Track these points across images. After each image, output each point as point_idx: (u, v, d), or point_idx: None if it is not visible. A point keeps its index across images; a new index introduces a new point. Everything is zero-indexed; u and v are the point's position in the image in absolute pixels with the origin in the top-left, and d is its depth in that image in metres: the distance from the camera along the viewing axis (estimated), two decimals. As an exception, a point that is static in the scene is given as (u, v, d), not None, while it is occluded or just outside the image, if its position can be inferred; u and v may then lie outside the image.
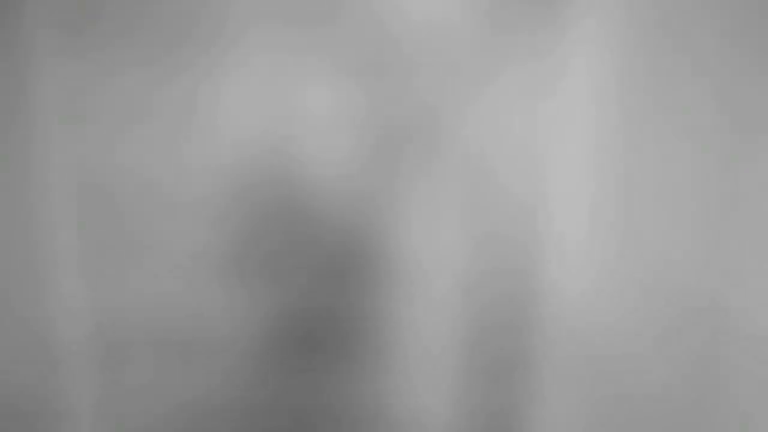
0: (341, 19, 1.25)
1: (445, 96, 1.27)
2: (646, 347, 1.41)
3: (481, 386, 1.41)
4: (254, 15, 1.24)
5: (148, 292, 1.36)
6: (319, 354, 1.42)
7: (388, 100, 1.27)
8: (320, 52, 1.26)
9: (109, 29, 1.23)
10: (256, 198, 1.30)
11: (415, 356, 1.40)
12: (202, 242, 1.33)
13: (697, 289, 1.38)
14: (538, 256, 1.35)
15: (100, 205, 1.31)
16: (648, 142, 1.30)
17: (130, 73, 1.26)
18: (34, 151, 1.29)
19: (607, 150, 1.31)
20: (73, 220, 1.32)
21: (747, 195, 1.34)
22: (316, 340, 1.40)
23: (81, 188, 1.31)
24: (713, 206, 1.35)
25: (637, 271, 1.37)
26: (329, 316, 1.39)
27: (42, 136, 1.29)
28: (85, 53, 1.24)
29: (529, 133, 1.30)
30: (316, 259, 1.34)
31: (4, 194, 1.30)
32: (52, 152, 1.30)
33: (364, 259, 1.35)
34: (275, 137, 1.28)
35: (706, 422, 1.46)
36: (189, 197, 1.32)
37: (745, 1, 1.22)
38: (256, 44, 1.26)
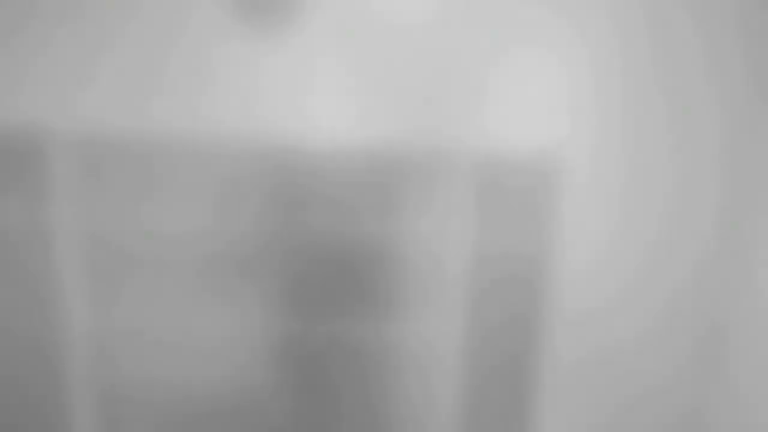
0: (337, 11, 1.25)
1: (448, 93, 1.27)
2: (644, 342, 1.41)
3: (484, 385, 1.40)
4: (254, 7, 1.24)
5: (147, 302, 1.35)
6: (322, 358, 1.41)
7: (393, 94, 1.27)
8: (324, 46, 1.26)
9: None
10: (257, 199, 1.30)
11: (416, 355, 1.40)
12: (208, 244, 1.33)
13: (700, 286, 1.38)
14: (547, 267, 1.35)
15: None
16: (649, 136, 1.31)
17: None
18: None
19: (608, 150, 1.31)
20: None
21: (749, 192, 1.34)
22: (321, 347, 1.40)
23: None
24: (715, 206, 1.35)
25: (638, 270, 1.37)
26: (335, 332, 1.38)
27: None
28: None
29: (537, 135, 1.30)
30: (319, 260, 1.34)
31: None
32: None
33: (370, 263, 1.34)
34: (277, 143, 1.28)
35: (710, 419, 1.46)
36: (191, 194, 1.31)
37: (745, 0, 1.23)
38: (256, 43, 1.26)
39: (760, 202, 1.32)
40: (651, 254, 1.36)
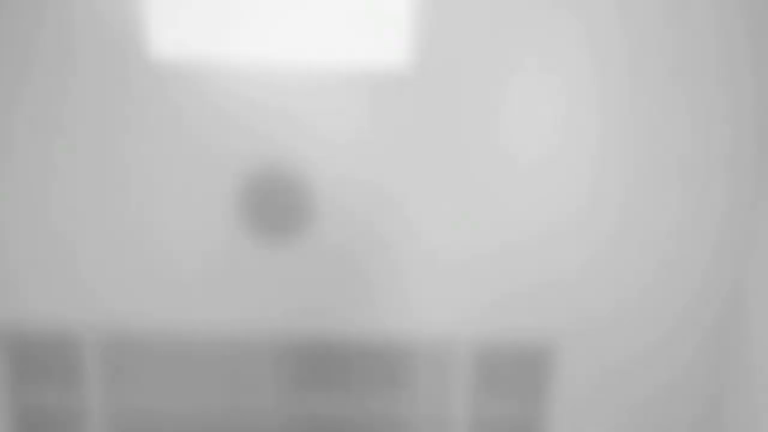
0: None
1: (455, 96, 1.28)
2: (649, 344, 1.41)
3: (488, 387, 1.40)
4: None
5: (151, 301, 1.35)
6: (326, 361, 1.41)
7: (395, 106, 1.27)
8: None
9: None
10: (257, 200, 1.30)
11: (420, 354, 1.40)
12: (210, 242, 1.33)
13: (704, 285, 1.38)
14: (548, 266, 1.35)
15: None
16: (654, 136, 1.31)
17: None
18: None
19: (608, 151, 1.31)
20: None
21: (753, 194, 1.34)
22: (324, 346, 1.40)
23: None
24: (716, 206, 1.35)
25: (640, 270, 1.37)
26: (338, 324, 1.39)
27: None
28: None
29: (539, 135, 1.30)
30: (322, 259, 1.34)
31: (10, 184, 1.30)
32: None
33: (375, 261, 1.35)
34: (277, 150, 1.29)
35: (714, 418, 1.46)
36: (194, 197, 1.32)
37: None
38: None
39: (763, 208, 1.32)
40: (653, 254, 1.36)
